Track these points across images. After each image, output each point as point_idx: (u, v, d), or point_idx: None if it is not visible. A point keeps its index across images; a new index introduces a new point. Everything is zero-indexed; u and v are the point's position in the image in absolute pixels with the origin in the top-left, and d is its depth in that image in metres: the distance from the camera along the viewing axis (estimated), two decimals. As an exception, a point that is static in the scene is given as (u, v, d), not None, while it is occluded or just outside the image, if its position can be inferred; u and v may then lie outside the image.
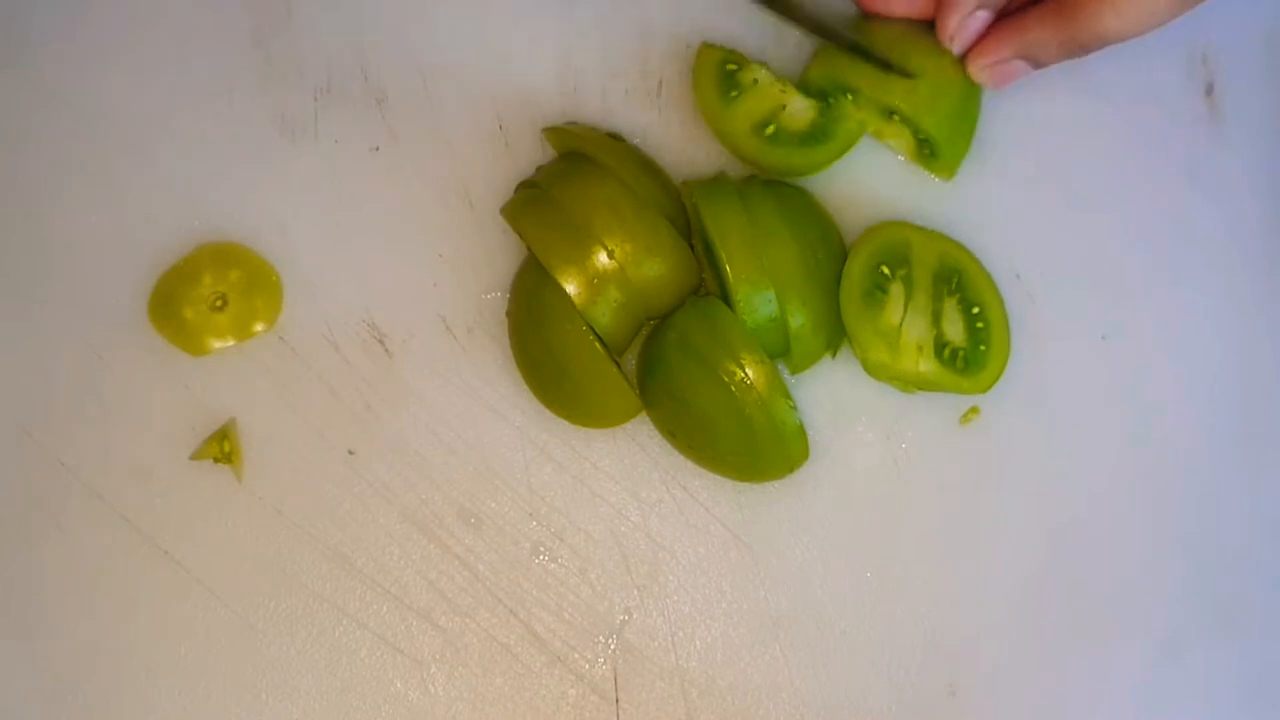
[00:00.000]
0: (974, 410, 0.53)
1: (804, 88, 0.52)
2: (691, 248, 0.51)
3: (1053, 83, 0.52)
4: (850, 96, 0.51)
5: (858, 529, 0.53)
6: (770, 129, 0.52)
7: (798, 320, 0.49)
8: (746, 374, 0.48)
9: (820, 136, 0.52)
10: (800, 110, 0.52)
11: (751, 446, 0.49)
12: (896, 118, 0.51)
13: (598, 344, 0.49)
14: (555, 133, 0.52)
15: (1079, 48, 0.48)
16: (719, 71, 0.52)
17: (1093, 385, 0.53)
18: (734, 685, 0.52)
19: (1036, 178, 0.54)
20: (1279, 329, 0.53)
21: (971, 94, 0.51)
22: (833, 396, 0.53)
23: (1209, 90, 0.54)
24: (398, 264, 0.54)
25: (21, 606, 0.53)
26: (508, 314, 0.53)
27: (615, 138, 0.53)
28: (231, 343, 0.54)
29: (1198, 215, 0.54)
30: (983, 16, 0.49)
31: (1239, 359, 0.53)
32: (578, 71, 0.54)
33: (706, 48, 0.52)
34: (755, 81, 0.52)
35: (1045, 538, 0.53)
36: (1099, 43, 0.47)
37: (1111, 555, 0.53)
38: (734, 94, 0.52)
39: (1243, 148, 0.54)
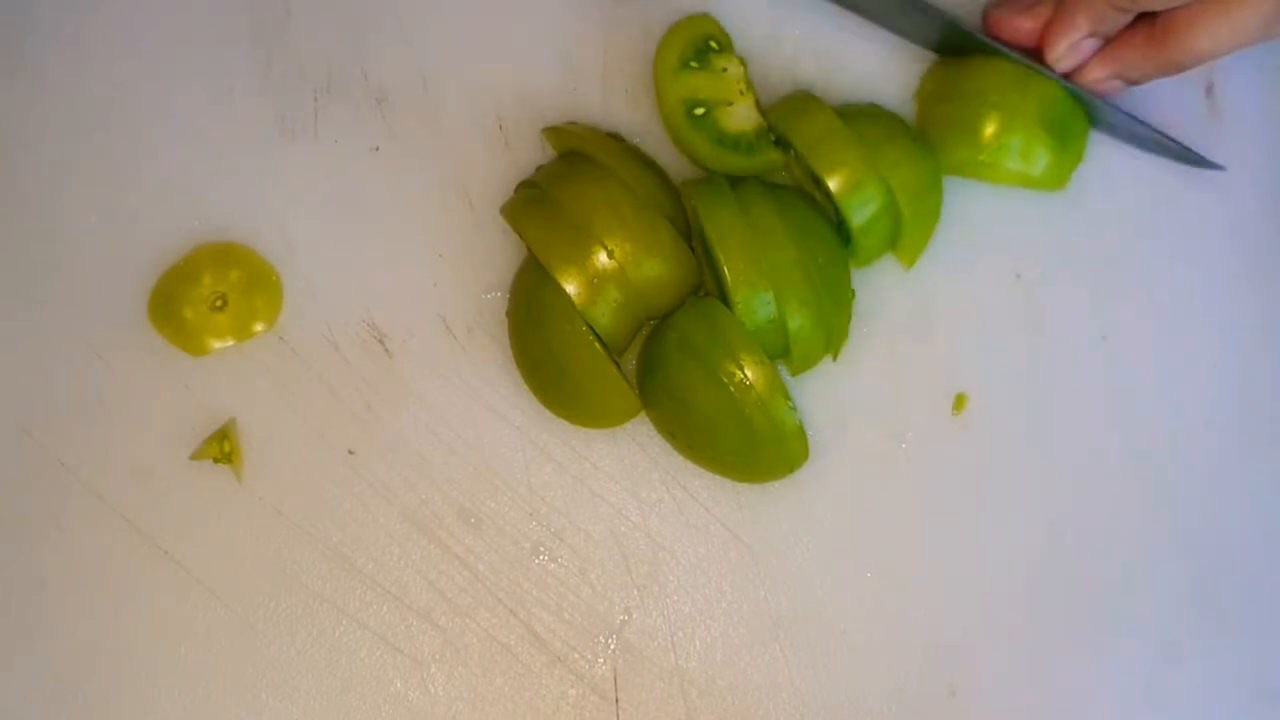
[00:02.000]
0: (962, 398, 0.53)
1: (762, 112, 0.52)
2: (691, 248, 0.51)
3: (1053, 83, 0.52)
4: (792, 153, 0.51)
5: (858, 529, 0.53)
6: (700, 111, 0.52)
7: (796, 322, 0.49)
8: (746, 375, 0.48)
9: (742, 148, 0.52)
10: (741, 117, 0.52)
11: (751, 447, 0.49)
12: (820, 193, 0.50)
13: (597, 344, 0.49)
14: (555, 132, 0.52)
15: (1173, 67, 0.49)
16: (698, 39, 0.52)
17: (1093, 385, 0.53)
18: (734, 685, 0.52)
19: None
20: (1278, 329, 0.53)
21: (907, 206, 0.51)
22: (833, 396, 0.53)
23: (1209, 90, 0.54)
24: (398, 264, 0.54)
25: (21, 606, 0.53)
26: (508, 314, 0.53)
27: (615, 138, 0.53)
28: (231, 343, 0.54)
29: (1198, 215, 0.54)
30: (1091, 44, 0.50)
31: (1238, 358, 0.53)
32: (578, 71, 0.54)
33: (704, 16, 0.52)
34: (724, 70, 0.52)
35: (1045, 538, 0.53)
36: (1193, 62, 0.48)
37: (1112, 555, 0.53)
38: (694, 64, 0.52)
39: (1243, 148, 0.54)
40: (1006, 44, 0.52)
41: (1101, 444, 0.53)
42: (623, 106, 0.54)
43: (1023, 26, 0.51)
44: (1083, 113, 0.52)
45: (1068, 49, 0.50)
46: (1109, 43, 0.50)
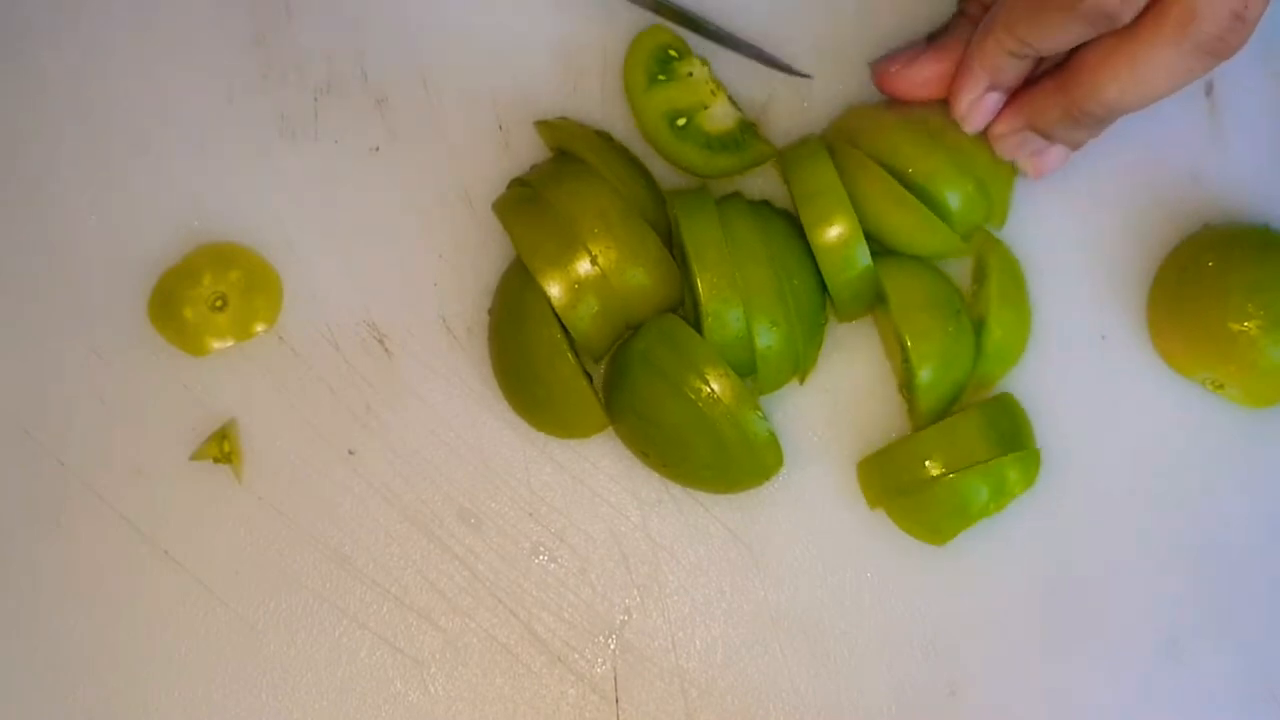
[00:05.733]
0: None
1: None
2: (673, 256, 0.50)
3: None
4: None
5: (858, 529, 0.53)
6: (682, 121, 0.52)
7: (765, 340, 0.49)
8: (712, 388, 0.48)
9: (730, 146, 0.52)
10: (720, 116, 0.52)
11: (724, 460, 0.49)
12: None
13: (570, 354, 0.49)
14: (546, 127, 0.52)
15: (1086, 117, 0.47)
16: (658, 51, 0.52)
17: (1092, 385, 0.53)
18: (734, 685, 0.52)
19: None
20: (1279, 329, 0.53)
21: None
22: (834, 396, 0.53)
23: (1209, 90, 0.54)
24: (398, 264, 0.54)
25: (21, 606, 0.53)
26: (489, 312, 0.52)
27: (604, 136, 0.53)
28: (231, 343, 0.54)
29: (1198, 215, 0.53)
30: (994, 99, 0.48)
31: (1239, 359, 0.53)
32: (578, 71, 0.54)
33: (657, 28, 0.52)
34: (690, 74, 0.52)
35: (1045, 536, 0.53)
36: (1103, 111, 0.46)
37: (1111, 555, 0.53)
38: (662, 77, 0.52)
39: (1243, 148, 0.54)
40: (905, 100, 0.50)
41: (1100, 443, 0.53)
42: (623, 107, 0.54)
43: (918, 78, 0.49)
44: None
45: (970, 106, 0.48)
46: (1017, 93, 0.48)
